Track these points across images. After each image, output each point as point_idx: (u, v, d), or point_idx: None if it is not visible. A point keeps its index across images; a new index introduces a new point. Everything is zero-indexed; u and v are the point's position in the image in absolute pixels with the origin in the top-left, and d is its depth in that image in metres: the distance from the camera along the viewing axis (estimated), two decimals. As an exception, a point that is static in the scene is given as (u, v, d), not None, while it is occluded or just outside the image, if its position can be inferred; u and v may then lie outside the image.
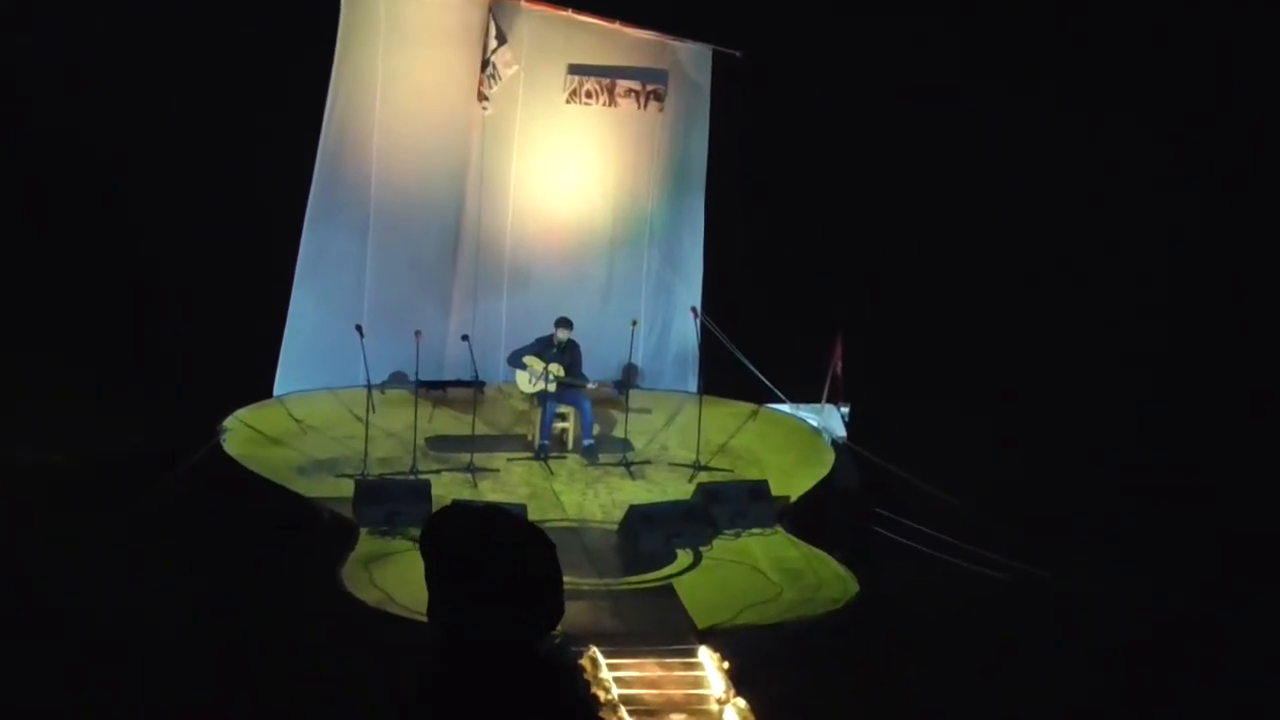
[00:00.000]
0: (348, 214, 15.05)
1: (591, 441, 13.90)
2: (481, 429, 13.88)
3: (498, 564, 3.42)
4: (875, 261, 15.63)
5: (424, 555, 3.51)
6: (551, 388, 13.72)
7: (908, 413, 14.00)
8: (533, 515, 11.53)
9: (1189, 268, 15.34)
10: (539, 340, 13.91)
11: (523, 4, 14.89)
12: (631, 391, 14.27)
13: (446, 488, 12.69)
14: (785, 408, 15.14)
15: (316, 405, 14.59)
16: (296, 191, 14.67)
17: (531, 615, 3.44)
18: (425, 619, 3.49)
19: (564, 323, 13.84)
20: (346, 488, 12.44)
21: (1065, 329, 15.34)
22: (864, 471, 13.74)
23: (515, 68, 14.71)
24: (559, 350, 13.80)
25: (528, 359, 13.83)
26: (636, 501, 12.51)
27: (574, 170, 15.55)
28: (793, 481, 13.35)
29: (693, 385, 15.13)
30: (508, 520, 3.58)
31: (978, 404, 14.23)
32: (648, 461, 13.87)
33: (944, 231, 15.76)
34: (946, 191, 15.80)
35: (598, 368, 14.54)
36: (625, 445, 14.00)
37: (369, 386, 12.99)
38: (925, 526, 12.33)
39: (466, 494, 12.58)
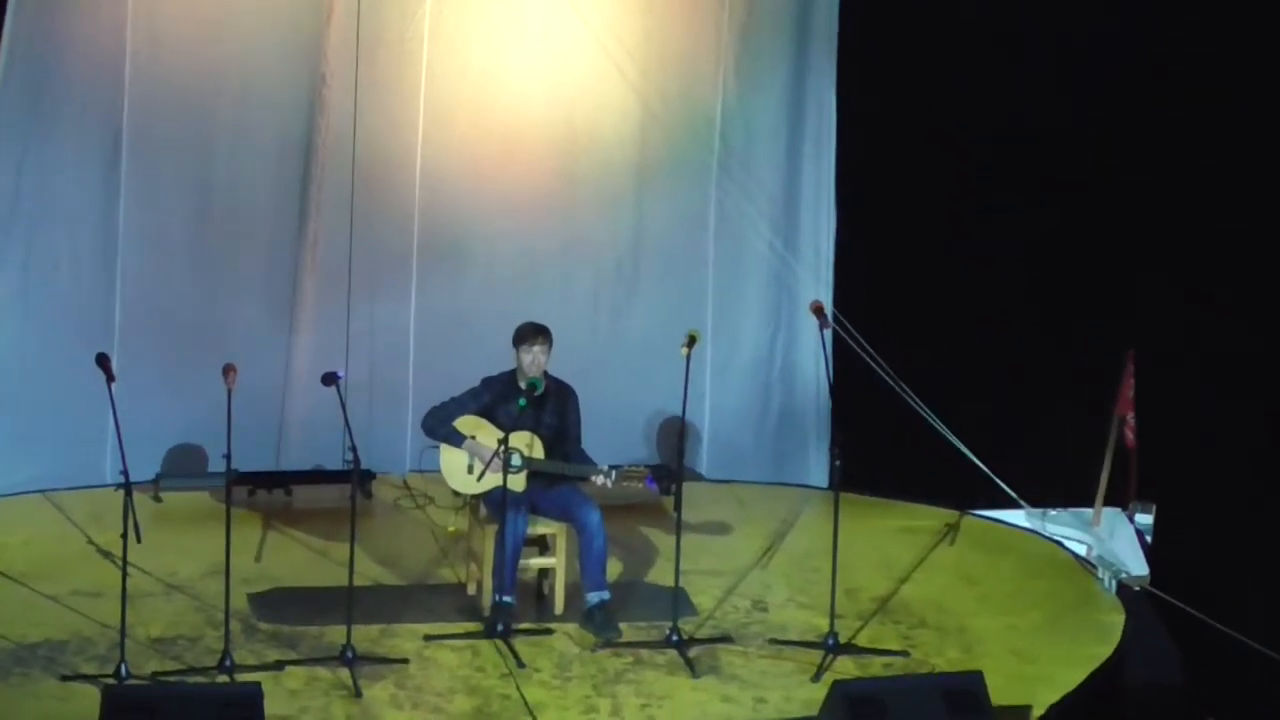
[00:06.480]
0: (75, 124, 15.61)
1: (605, 596, 13.85)
2: (370, 571, 14.25)
3: None
4: (1181, 227, 16.34)
5: None
6: (518, 484, 13.47)
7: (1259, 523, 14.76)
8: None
9: None
10: (488, 382, 13.99)
11: None
12: (689, 486, 14.24)
13: (296, 700, 12.79)
14: (1018, 517, 15.55)
15: (17, 527, 15.14)
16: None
17: None
18: None
19: (533, 335, 13.83)
20: (87, 700, 12.34)
21: None
22: (1186, 645, 14.11)
23: None
24: (529, 402, 13.63)
25: (463, 423, 13.76)
26: (703, 728, 12.92)
27: (555, 29, 16.11)
28: (1039, 671, 13.49)
29: (820, 473, 16.00)
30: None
31: None
32: (725, 638, 13.89)
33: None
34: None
35: (615, 438, 15.14)
36: (677, 601, 13.83)
37: (126, 485, 12.72)
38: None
39: (340, 713, 12.61)
